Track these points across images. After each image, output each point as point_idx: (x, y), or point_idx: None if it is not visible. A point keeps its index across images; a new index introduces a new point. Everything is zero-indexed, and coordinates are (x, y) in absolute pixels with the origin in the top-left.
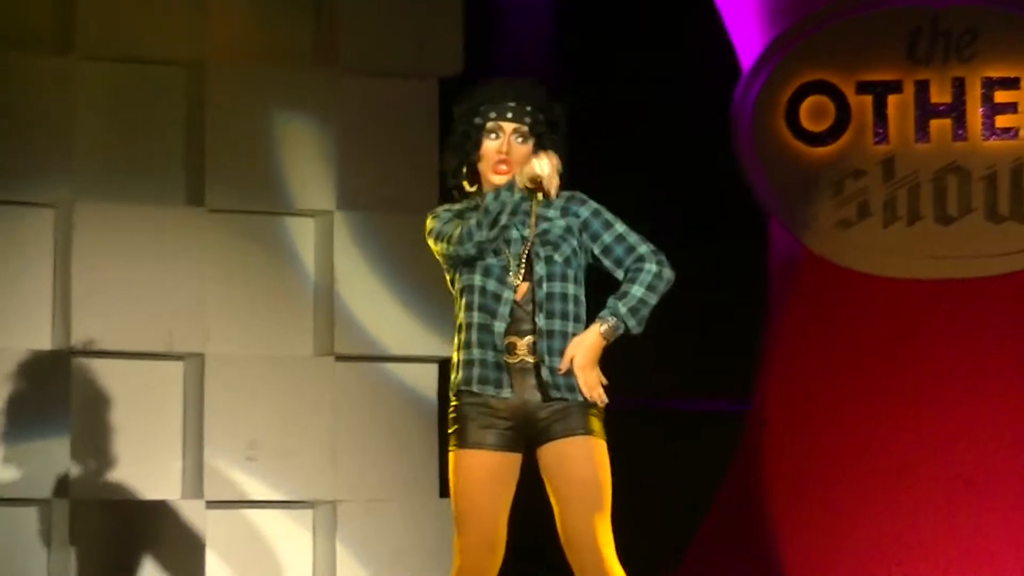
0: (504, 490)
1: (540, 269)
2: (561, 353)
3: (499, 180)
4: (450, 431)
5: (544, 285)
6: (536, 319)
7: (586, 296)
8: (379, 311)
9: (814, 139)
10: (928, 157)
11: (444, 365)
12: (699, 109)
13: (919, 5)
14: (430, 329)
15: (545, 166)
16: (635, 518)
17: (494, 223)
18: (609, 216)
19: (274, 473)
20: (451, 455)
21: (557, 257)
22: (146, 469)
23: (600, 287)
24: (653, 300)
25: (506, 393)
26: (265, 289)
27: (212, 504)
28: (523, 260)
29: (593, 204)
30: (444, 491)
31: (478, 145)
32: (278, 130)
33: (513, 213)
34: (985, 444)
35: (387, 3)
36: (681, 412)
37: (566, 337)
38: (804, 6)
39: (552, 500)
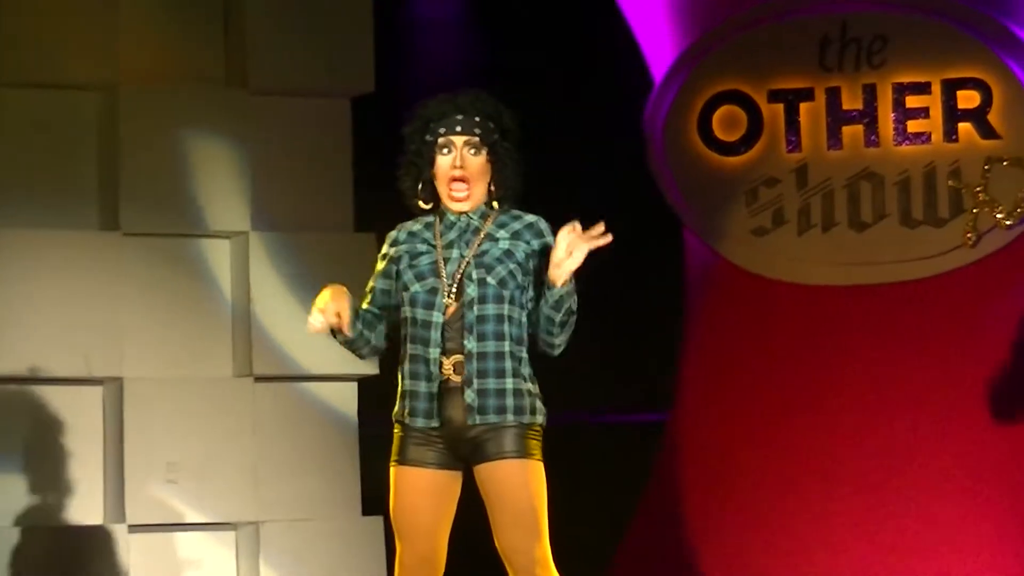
0: (443, 506)
1: (471, 291)
2: (495, 374)
3: (458, 207)
4: (392, 448)
5: (475, 307)
6: (465, 341)
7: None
8: (297, 331)
9: (727, 148)
10: (841, 164)
11: (363, 383)
12: (611, 122)
13: (828, 13)
14: None
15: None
16: (562, 529)
17: (352, 344)
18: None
19: (196, 495)
20: (391, 470)
21: (491, 279)
22: (67, 494)
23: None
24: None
25: (435, 423)
26: (182, 311)
27: (135, 528)
28: (456, 281)
29: (549, 240)
30: (367, 509)
31: (431, 162)
32: (191, 152)
33: (461, 233)
34: (902, 447)
35: (297, 23)
36: (602, 424)
37: (501, 357)
38: (714, 16)
39: (489, 519)
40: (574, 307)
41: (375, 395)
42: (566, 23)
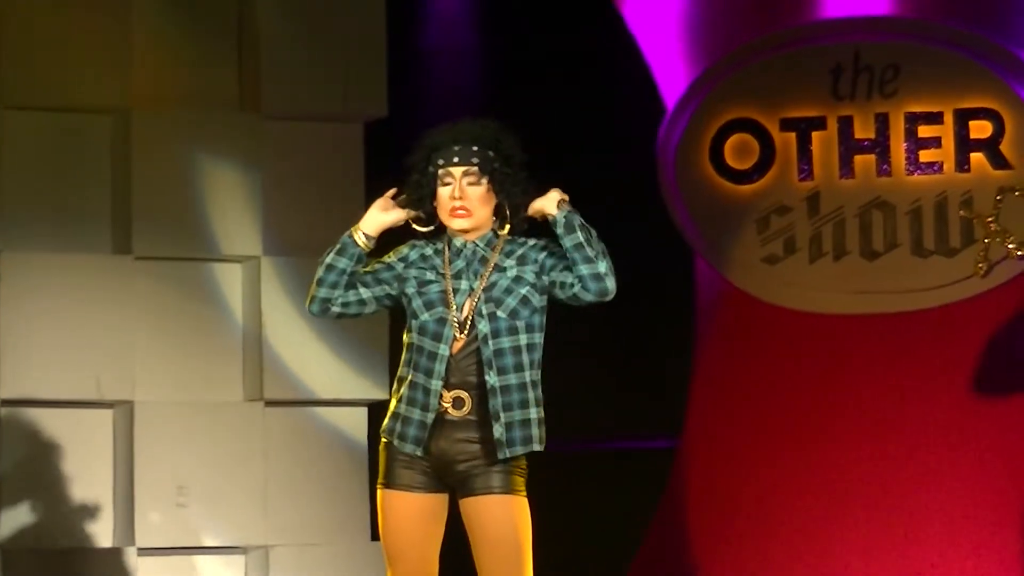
0: (432, 529)
1: (484, 327)
2: (520, 405)
3: (460, 224)
4: (380, 469)
5: (491, 343)
6: (487, 377)
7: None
8: (307, 355)
9: (739, 176)
10: (853, 193)
11: (373, 408)
12: (623, 149)
13: (841, 42)
14: (358, 372)
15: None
16: (570, 556)
17: (327, 268)
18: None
19: (206, 519)
20: (379, 493)
21: (500, 312)
22: (77, 517)
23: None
24: (588, 246)
25: (420, 452)
26: (194, 335)
27: (144, 551)
28: (467, 316)
29: (552, 247)
30: (376, 534)
31: (433, 193)
32: (204, 176)
33: (469, 263)
34: (911, 475)
35: (310, 48)
36: (612, 451)
37: (524, 388)
38: (726, 44)
39: (473, 554)
40: (585, 224)
41: None
42: (578, 50)
